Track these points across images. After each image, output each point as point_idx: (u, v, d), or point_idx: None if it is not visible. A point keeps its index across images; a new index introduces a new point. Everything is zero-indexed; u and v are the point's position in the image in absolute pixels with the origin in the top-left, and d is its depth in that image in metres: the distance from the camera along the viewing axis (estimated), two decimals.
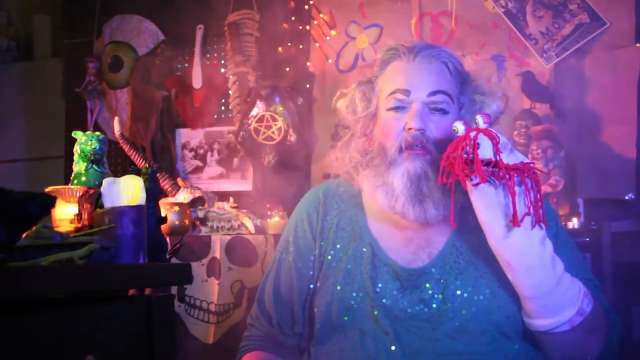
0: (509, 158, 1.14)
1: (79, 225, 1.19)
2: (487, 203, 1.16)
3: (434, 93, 1.30)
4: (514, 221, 1.13)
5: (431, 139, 1.28)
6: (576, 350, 1.25)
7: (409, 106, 1.31)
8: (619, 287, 2.25)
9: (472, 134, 1.13)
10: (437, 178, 1.26)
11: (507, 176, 1.13)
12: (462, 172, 1.13)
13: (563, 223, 1.48)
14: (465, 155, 1.13)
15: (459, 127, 1.16)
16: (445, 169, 1.16)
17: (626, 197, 2.60)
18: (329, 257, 1.39)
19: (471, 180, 1.13)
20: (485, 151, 1.13)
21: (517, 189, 1.13)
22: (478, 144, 1.13)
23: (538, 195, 1.15)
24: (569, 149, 2.62)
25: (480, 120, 1.15)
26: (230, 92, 3.22)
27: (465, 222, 1.31)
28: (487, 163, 1.13)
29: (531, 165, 1.16)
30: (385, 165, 1.31)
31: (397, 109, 1.32)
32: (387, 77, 1.37)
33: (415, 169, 1.28)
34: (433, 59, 1.33)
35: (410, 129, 1.29)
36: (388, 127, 1.33)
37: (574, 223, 2.50)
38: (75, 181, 1.31)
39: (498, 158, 1.12)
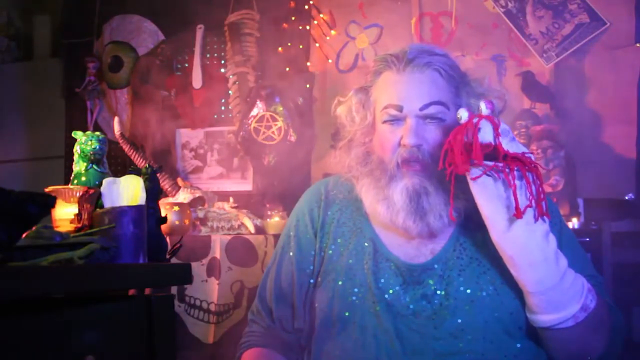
0: (510, 146, 1.14)
1: (79, 225, 1.19)
2: (488, 196, 1.16)
3: (427, 106, 1.28)
4: (516, 213, 1.13)
5: (429, 152, 1.28)
6: (580, 347, 1.25)
7: (403, 120, 1.30)
8: (619, 287, 2.25)
9: (475, 119, 1.14)
10: (438, 190, 1.27)
11: (507, 169, 1.13)
12: (460, 155, 1.13)
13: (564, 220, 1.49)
14: (465, 139, 1.13)
15: (463, 115, 1.16)
16: (447, 153, 1.16)
17: (626, 197, 2.60)
18: (330, 252, 1.39)
19: (470, 172, 1.14)
20: (486, 135, 1.13)
21: (517, 182, 1.13)
22: (479, 128, 1.13)
23: (540, 189, 1.15)
24: (569, 149, 2.62)
25: (482, 106, 1.15)
26: (230, 92, 3.22)
27: (469, 220, 1.31)
28: (487, 147, 1.13)
29: (531, 156, 1.16)
30: (385, 179, 1.31)
31: (391, 122, 1.31)
32: (379, 88, 1.35)
33: (414, 186, 1.28)
34: (424, 67, 1.30)
35: (405, 145, 1.28)
36: (384, 141, 1.32)
37: (574, 223, 2.50)
38: (75, 181, 1.31)
39: (497, 142, 1.13)
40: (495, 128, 1.13)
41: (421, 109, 1.28)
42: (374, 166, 1.34)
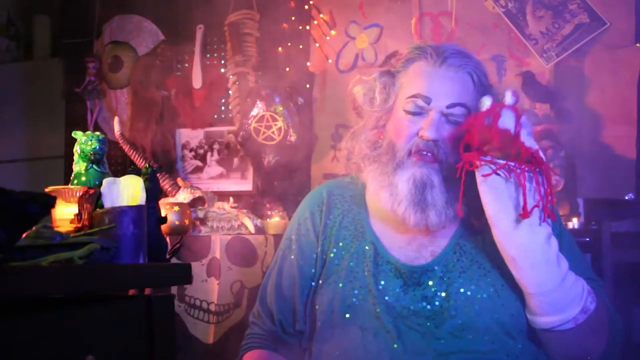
0: (526, 139, 1.15)
1: (79, 225, 1.19)
2: (496, 195, 1.17)
3: (453, 105, 1.28)
4: (523, 213, 1.13)
5: (442, 149, 1.28)
6: (579, 349, 1.26)
7: (427, 113, 1.30)
8: (619, 287, 2.25)
9: (498, 107, 1.14)
10: (442, 187, 1.27)
11: (519, 169, 1.13)
12: (478, 137, 1.13)
13: (563, 223, 1.49)
14: (485, 122, 1.13)
15: (486, 102, 1.16)
16: (464, 135, 1.16)
17: (626, 197, 2.60)
18: (332, 255, 1.39)
19: (480, 169, 1.14)
20: (507, 122, 1.14)
21: (527, 183, 1.14)
22: (500, 114, 1.13)
23: (549, 190, 1.16)
24: (569, 149, 2.62)
25: (508, 95, 1.16)
26: (230, 92, 3.22)
27: (469, 222, 1.31)
28: (505, 133, 1.13)
29: (541, 156, 1.16)
30: (392, 165, 1.31)
31: (414, 111, 1.31)
32: (410, 76, 1.34)
33: (422, 176, 1.27)
34: (459, 68, 1.31)
35: (422, 136, 1.28)
36: (402, 128, 1.32)
37: (574, 223, 2.50)
38: (75, 181, 1.31)
39: (517, 130, 1.13)
40: (518, 116, 1.13)
41: (448, 107, 1.29)
42: (383, 151, 1.34)
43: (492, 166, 1.16)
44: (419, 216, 1.28)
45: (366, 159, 1.37)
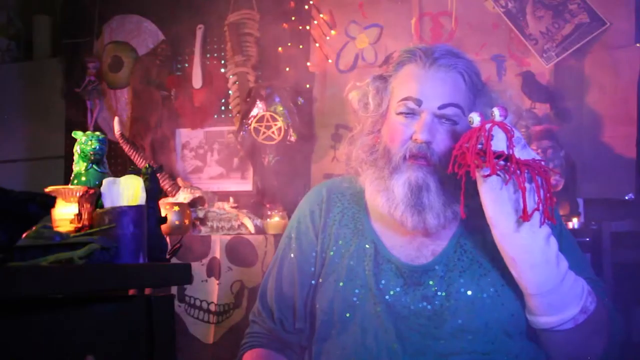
0: (522, 153, 1.15)
1: (79, 225, 1.19)
2: (495, 197, 1.16)
3: (445, 106, 1.28)
4: (523, 216, 1.13)
5: (436, 152, 1.27)
6: (579, 349, 1.26)
7: (419, 115, 1.30)
8: (619, 287, 2.25)
9: (487, 125, 1.14)
10: (438, 189, 1.26)
11: (518, 171, 1.13)
12: (473, 162, 1.13)
13: (563, 223, 1.49)
14: (479, 146, 1.13)
15: (475, 118, 1.16)
16: (457, 158, 1.16)
17: (626, 197, 2.60)
18: (331, 254, 1.39)
19: (481, 170, 1.14)
20: (499, 143, 1.13)
21: (527, 185, 1.14)
22: (492, 135, 1.13)
23: (548, 194, 1.16)
24: (569, 149, 2.62)
25: (496, 112, 1.15)
26: (230, 92, 3.22)
27: (470, 222, 1.31)
28: (499, 155, 1.13)
29: (542, 163, 1.16)
30: (388, 169, 1.31)
31: (406, 115, 1.31)
32: (400, 79, 1.34)
33: (417, 179, 1.27)
34: (449, 68, 1.30)
35: (416, 139, 1.28)
36: (395, 132, 1.32)
37: (574, 223, 2.50)
38: (75, 181, 1.31)
39: (511, 152, 1.13)
40: (509, 137, 1.13)
41: (439, 108, 1.28)
42: (379, 156, 1.34)
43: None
44: (417, 219, 1.28)
45: (363, 163, 1.37)
